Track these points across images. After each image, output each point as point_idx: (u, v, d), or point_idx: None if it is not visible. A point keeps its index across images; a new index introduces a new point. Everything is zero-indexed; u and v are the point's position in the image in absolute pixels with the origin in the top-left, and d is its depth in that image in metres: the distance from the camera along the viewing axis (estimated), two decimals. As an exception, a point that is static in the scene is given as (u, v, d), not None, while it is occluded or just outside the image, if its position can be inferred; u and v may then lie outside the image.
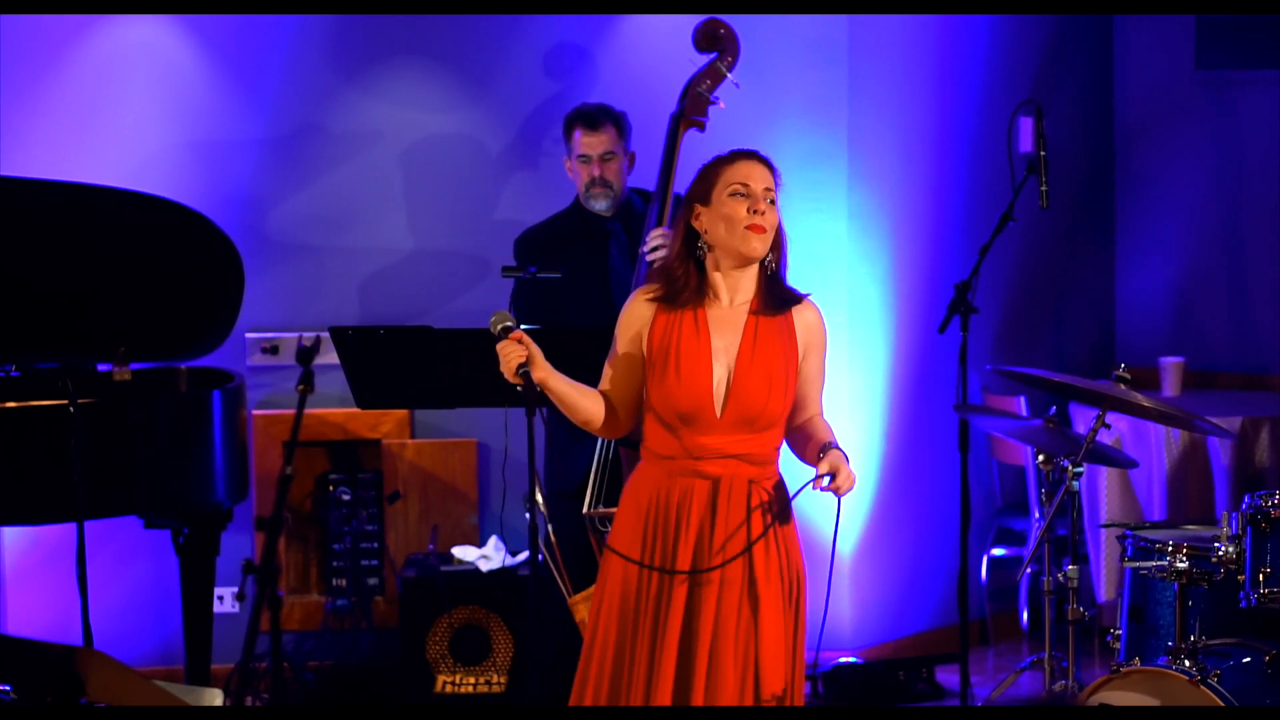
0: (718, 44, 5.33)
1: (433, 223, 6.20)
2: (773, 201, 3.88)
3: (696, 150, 5.24)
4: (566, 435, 5.09)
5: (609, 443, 5.04)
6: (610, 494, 5.01)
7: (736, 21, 6.17)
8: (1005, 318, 6.88)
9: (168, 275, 5.50)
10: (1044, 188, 5.40)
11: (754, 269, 3.90)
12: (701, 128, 5.29)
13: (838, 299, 6.25)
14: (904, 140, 6.47)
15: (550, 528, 4.71)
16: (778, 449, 3.93)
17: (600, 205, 5.39)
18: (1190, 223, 7.16)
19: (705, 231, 3.88)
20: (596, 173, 5.35)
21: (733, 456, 3.84)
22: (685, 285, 3.89)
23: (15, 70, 5.97)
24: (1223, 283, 7.09)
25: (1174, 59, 7.11)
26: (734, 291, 3.90)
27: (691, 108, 5.30)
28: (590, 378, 3.96)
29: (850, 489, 3.77)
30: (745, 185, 3.85)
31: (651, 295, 3.91)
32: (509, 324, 3.84)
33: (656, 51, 6.09)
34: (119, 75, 6.04)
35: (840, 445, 3.84)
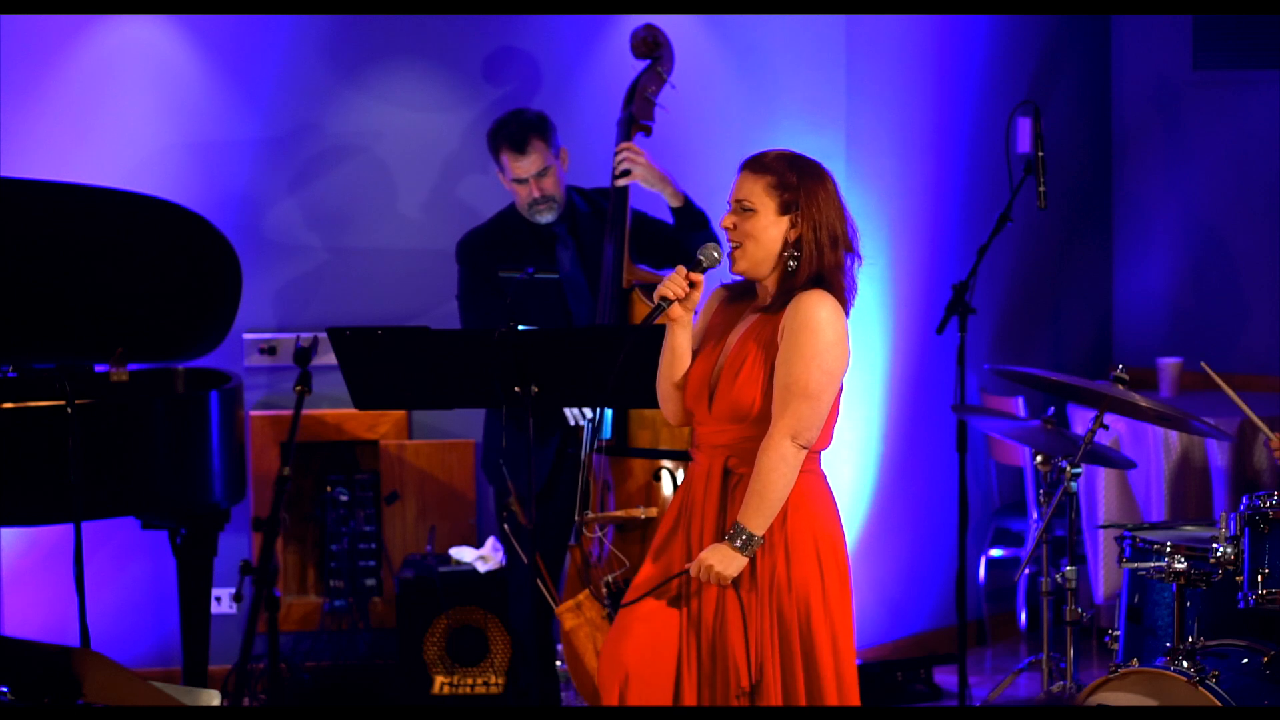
0: (655, 50, 5.35)
1: (430, 223, 6.19)
2: (747, 209, 3.90)
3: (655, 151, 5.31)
4: (534, 437, 4.99)
5: (588, 446, 5.07)
6: (587, 499, 5.08)
7: (735, 21, 6.19)
8: (1003, 318, 6.88)
9: (165, 276, 5.50)
10: (1042, 188, 5.40)
11: (771, 272, 3.96)
12: (649, 132, 5.32)
13: (835, 299, 6.25)
14: (902, 141, 6.46)
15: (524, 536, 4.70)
16: None
17: (547, 219, 5.33)
18: (1188, 223, 7.16)
19: None
20: (536, 194, 5.29)
21: (719, 446, 3.93)
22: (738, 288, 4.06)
23: (13, 70, 5.96)
24: (1220, 283, 7.09)
25: (1171, 59, 7.11)
26: (765, 293, 3.99)
27: (641, 112, 5.31)
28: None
29: (707, 580, 3.86)
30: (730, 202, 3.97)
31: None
32: (705, 261, 3.92)
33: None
34: (116, 75, 6.04)
35: (739, 527, 3.82)
